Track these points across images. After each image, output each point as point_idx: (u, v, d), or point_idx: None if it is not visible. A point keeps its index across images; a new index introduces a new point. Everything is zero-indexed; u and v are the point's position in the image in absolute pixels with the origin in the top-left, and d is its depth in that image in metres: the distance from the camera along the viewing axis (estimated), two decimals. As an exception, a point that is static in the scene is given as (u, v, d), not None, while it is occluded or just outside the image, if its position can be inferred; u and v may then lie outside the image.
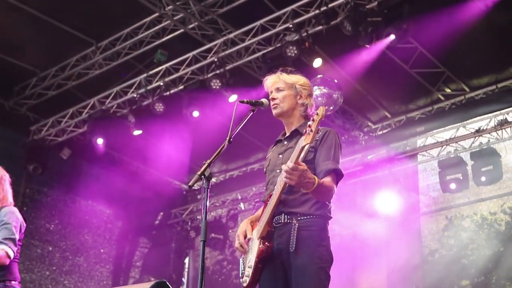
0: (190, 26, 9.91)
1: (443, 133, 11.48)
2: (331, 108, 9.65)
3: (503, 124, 10.67)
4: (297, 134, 4.25)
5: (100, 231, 13.73)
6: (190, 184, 3.68)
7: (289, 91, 4.33)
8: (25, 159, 11.56)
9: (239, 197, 13.89)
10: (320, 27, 9.00)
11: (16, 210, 5.28)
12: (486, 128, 10.86)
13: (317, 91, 9.41)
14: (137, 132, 11.25)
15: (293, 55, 9.08)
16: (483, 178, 10.57)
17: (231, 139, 3.92)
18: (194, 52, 10.32)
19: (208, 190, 3.74)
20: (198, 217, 14.54)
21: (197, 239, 14.26)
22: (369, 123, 12.15)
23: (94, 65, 11.02)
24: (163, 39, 10.31)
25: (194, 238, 14.32)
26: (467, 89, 10.93)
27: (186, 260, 14.12)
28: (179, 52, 10.47)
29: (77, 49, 11.04)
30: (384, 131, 12.02)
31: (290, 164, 3.63)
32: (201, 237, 3.59)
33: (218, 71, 9.95)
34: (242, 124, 4.04)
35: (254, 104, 4.24)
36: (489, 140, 10.90)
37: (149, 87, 10.66)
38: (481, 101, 10.82)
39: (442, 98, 11.19)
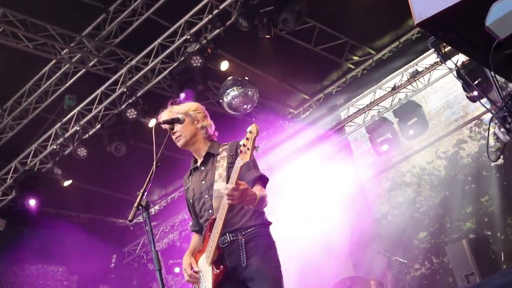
0: (91, 64, 9.78)
1: (362, 100, 11.71)
2: (249, 106, 9.69)
3: (415, 75, 10.97)
4: (210, 156, 4.44)
5: (62, 288, 13.42)
6: (129, 218, 3.62)
7: (186, 120, 4.37)
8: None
9: (187, 217, 13.78)
10: (217, 30, 9.02)
11: None
12: (401, 84, 11.15)
13: (231, 92, 9.44)
14: (67, 183, 11.02)
15: (199, 64, 9.06)
16: (411, 132, 10.82)
17: (158, 163, 3.87)
18: (102, 88, 10.17)
19: (149, 219, 3.68)
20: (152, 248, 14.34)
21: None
22: (291, 110, 12.25)
23: (5, 129, 10.73)
24: (67, 84, 10.13)
25: (154, 270, 14.11)
26: (373, 52, 11.14)
27: (152, 293, 13.95)
28: (87, 92, 10.31)
29: (-16, 117, 10.73)
30: (307, 113, 12.14)
31: (230, 185, 3.78)
32: (156, 266, 3.55)
33: (130, 101, 9.84)
34: (164, 145, 4.00)
35: (171, 122, 4.24)
36: (406, 94, 11.20)
37: (66, 135, 10.46)
38: (389, 60, 11.03)
39: (352, 67, 11.38)
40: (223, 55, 9.77)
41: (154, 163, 3.83)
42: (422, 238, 11.26)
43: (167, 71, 9.72)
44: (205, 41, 9.12)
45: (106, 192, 12.93)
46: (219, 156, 4.33)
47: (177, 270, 13.17)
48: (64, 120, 10.51)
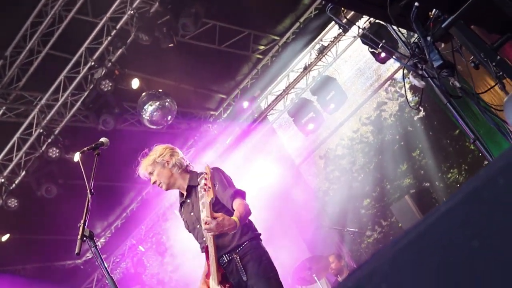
0: (0, 112, 9.51)
1: (278, 86, 11.81)
2: (170, 117, 9.64)
3: (322, 50, 11.12)
4: (192, 188, 4.81)
5: None
6: (76, 251, 3.58)
7: (157, 168, 4.80)
8: None
9: (134, 242, 13.61)
10: (120, 50, 8.92)
11: None
12: (311, 62, 11.27)
13: (149, 108, 9.36)
14: (4, 238, 10.68)
15: (110, 88, 8.95)
16: (332, 106, 10.99)
17: (92, 191, 3.84)
18: (18, 135, 9.89)
19: (96, 247, 3.62)
20: (106, 281, 14.09)
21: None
22: (211, 112, 12.26)
23: None
24: (-19, 139, 9.82)
25: (114, 302, 13.90)
26: (277, 38, 11.26)
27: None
28: (3, 142, 10.01)
29: None
30: (228, 111, 12.17)
31: (206, 219, 4.18)
32: (114, 293, 3.50)
33: (49, 140, 9.62)
34: (94, 171, 3.96)
35: (95, 147, 4.24)
36: (319, 71, 11.34)
37: (-8, 191, 10.13)
38: (294, 42, 11.17)
39: (260, 57, 11.46)
40: (132, 74, 9.67)
41: (88, 191, 3.77)
42: (367, 205, 11.47)
43: (79, 103, 9.55)
44: (110, 63, 9.02)
45: (47, 237, 12.57)
46: (199, 187, 4.54)
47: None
48: (-14, 178, 10.17)
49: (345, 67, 11.78)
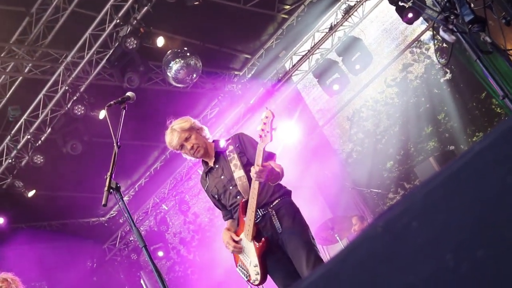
0: (26, 70, 9.57)
1: (303, 46, 11.74)
2: (194, 75, 9.63)
3: (348, 11, 11.01)
4: (220, 154, 4.99)
5: (46, 304, 13.28)
6: (103, 202, 3.61)
7: (194, 133, 4.94)
8: None
9: (158, 200, 13.76)
10: (145, 8, 8.87)
11: None
12: (337, 22, 11.17)
13: (174, 66, 9.35)
14: (31, 193, 10.83)
15: (135, 46, 8.92)
16: (357, 66, 10.91)
17: (119, 144, 3.87)
18: (43, 92, 9.95)
19: (123, 199, 3.66)
20: (130, 239, 14.31)
21: (141, 259, 14.10)
22: (236, 72, 12.22)
23: (-45, 154, 10.46)
24: (7, 95, 9.87)
25: (138, 259, 14.13)
26: (302, -3, 11.14)
27: (142, 283, 13.91)
28: (29, 99, 10.08)
29: None
30: (252, 72, 12.12)
31: (256, 167, 4.29)
32: (140, 244, 3.55)
33: (75, 98, 9.67)
34: (121, 124, 3.98)
35: (122, 101, 4.25)
36: (344, 32, 11.23)
37: (19, 147, 10.24)
38: (320, 1, 11.05)
39: (286, 16, 11.35)
40: (157, 32, 9.64)
41: (115, 144, 3.80)
42: (390, 167, 11.45)
43: (104, 60, 9.56)
44: (135, 21, 8.97)
45: (71, 194, 12.77)
46: (227, 151, 4.89)
47: (160, 254, 13.20)
48: (12, 132, 10.27)
49: (371, 28, 11.65)
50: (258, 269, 4.68)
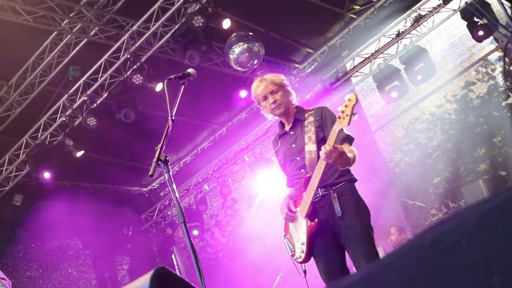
0: (92, 33, 9.70)
1: (367, 49, 11.63)
2: (256, 61, 9.64)
3: (418, 20, 10.87)
4: (298, 122, 4.86)
5: (80, 261, 13.54)
6: (150, 173, 3.67)
7: (282, 90, 4.86)
8: (-21, 220, 11.27)
9: (200, 180, 13.86)
10: (217, -12, 8.92)
11: None
12: (405, 29, 11.04)
13: (237, 49, 9.38)
14: (79, 154, 11.02)
15: (201, 24, 8.96)
16: (419, 77, 10.77)
17: (173, 118, 3.91)
18: (105, 57, 10.10)
19: (170, 173, 3.70)
20: (168, 213, 14.48)
21: (175, 234, 14.25)
22: (296, 65, 12.18)
23: (13, 105, 10.68)
24: (71, 55, 10.04)
25: (172, 234, 14.29)
26: (374, 0, 11.01)
27: (173, 257, 14.08)
28: (91, 62, 10.24)
29: (-10, 95, 10.70)
30: (312, 67, 12.07)
31: (328, 147, 4.15)
32: (180, 219, 3.58)
33: (135, 67, 9.79)
34: (179, 99, 4.01)
35: (182, 77, 4.29)
36: (411, 40, 11.09)
37: (74, 106, 10.42)
38: (391, 6, 10.92)
39: (354, 16, 11.25)
40: (224, 14, 9.67)
41: (169, 118, 3.84)
42: (437, 183, 11.29)
43: (169, 34, 9.63)
44: (204, 0, 9.02)
45: (117, 160, 12.98)
46: (306, 121, 4.75)
47: (195, 232, 13.31)
48: (70, 91, 10.45)
49: (439, 40, 11.49)
50: (304, 247, 4.62)
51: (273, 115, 4.92)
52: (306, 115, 4.82)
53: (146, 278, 2.21)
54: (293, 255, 4.80)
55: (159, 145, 3.74)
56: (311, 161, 4.58)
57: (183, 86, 4.23)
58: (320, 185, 4.51)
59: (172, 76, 4.25)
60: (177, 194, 3.62)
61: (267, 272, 10.85)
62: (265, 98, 4.86)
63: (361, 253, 4.41)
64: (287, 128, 4.92)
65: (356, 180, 4.72)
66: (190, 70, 4.33)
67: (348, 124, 4.05)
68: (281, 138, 4.98)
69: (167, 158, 3.69)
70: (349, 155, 4.38)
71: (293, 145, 4.81)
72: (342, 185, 4.60)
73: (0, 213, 11.47)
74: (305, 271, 4.82)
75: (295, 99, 4.95)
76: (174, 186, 3.69)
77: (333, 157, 4.18)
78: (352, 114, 4.04)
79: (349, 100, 4.03)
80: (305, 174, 4.63)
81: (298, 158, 4.75)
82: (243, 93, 10.43)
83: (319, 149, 4.43)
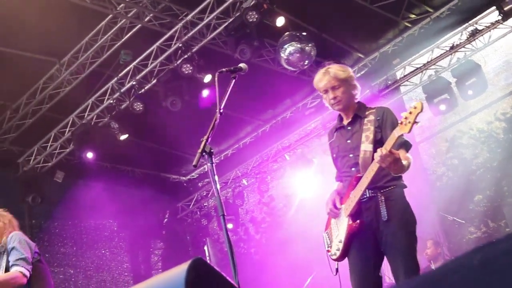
0: (146, 19, 9.80)
1: (419, 59, 11.48)
2: (307, 62, 9.61)
3: (474, 34, 10.68)
4: (357, 118, 4.78)
5: (114, 243, 13.71)
6: (194, 163, 3.70)
7: (344, 86, 4.78)
8: (21, 192, 11.45)
9: (240, 174, 13.89)
10: (274, -15, 8.92)
11: (16, 233, 5.42)
12: (460, 43, 10.87)
13: (289, 48, 9.36)
14: (123, 137, 11.14)
15: (255, 20, 8.96)
16: (469, 92, 10.59)
17: (221, 110, 3.93)
18: (157, 44, 10.19)
19: (213, 165, 3.72)
20: (205, 204, 14.54)
21: (210, 226, 14.31)
22: (346, 69, 12.08)
23: (63, 83, 10.85)
24: (123, 39, 10.15)
25: (207, 225, 14.35)
26: (431, 10, 10.85)
27: (205, 249, 14.13)
28: (143, 48, 10.34)
29: (42, 72, 10.87)
30: (362, 72, 11.96)
31: (384, 150, 4.15)
32: (219, 212, 3.61)
33: (185, 56, 9.84)
34: (228, 93, 4.03)
35: (234, 71, 4.30)
36: (465, 54, 10.91)
37: (122, 90, 10.55)
38: (447, 18, 10.75)
39: (409, 25, 11.11)
40: (279, 12, 9.66)
41: (217, 110, 3.86)
42: (478, 201, 11.12)
43: (222, 27, 9.66)
44: (260, -4, 9.03)
45: (160, 147, 13.10)
46: (366, 119, 4.68)
47: (230, 226, 13.35)
48: (120, 75, 10.58)
49: (494, 56, 11.29)
50: (341, 245, 4.59)
51: (332, 109, 4.90)
52: (367, 112, 4.75)
53: (183, 267, 2.22)
54: (328, 251, 4.79)
55: (205, 137, 3.76)
56: (364, 160, 4.52)
57: (233, 80, 4.24)
58: (369, 186, 4.46)
59: (224, 69, 4.26)
60: (218, 186, 3.62)
61: (298, 272, 10.83)
62: (326, 92, 4.84)
63: (401, 265, 4.35)
64: (345, 122, 4.86)
65: (405, 187, 4.62)
66: (242, 65, 4.33)
67: (409, 132, 4.05)
68: (337, 131, 4.95)
69: (212, 150, 3.71)
70: (404, 162, 4.33)
71: (348, 141, 4.77)
72: (391, 189, 4.52)
73: (41, 188, 11.66)
74: (337, 269, 4.78)
75: (358, 94, 4.89)
76: (216, 178, 3.70)
77: (387, 162, 4.17)
78: (415, 122, 4.02)
79: (415, 107, 4.03)
80: (356, 173, 4.60)
81: (351, 155, 4.71)
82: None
83: (375, 149, 4.40)
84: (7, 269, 5.14)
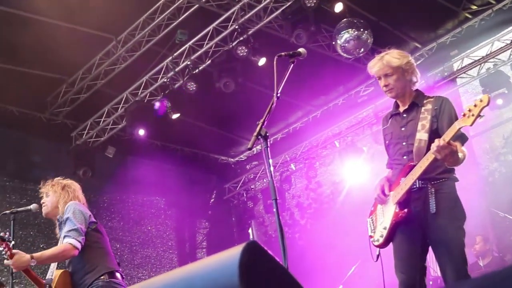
0: (204, -1, 9.83)
1: (478, 51, 11.25)
2: (362, 50, 9.51)
3: (538, 28, 10.41)
4: (414, 106, 4.70)
5: (160, 220, 13.87)
6: (249, 146, 3.71)
7: (397, 74, 4.67)
8: (73, 165, 11.64)
9: (288, 159, 13.87)
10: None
11: (72, 203, 5.39)
12: (522, 36, 10.61)
13: (345, 35, 9.27)
14: (175, 116, 11.23)
15: (313, 5, 8.91)
16: (528, 87, 10.35)
17: (279, 95, 3.91)
18: (214, 25, 10.20)
19: (268, 148, 3.71)
20: (251, 187, 14.58)
21: (255, 208, 14.34)
22: (401, 58, 11.89)
23: (119, 60, 10.97)
24: (180, 19, 10.17)
25: (253, 207, 14.39)
26: (493, 1, 10.60)
27: (250, 231, 14.20)
28: (199, 28, 10.36)
29: (99, 48, 11.00)
30: (418, 62, 11.74)
31: (442, 141, 4.09)
32: (272, 196, 3.60)
33: (241, 38, 9.84)
34: (286, 77, 4.01)
35: (292, 55, 4.27)
36: (527, 48, 10.65)
37: (177, 69, 10.61)
38: (509, 11, 10.50)
39: (469, 16, 10.88)
40: (337, -3, 9.56)
41: (275, 94, 3.85)
42: (531, 200, 10.86)
43: (279, 11, 9.61)
44: (320, -19, 8.96)
45: (210, 128, 13.17)
46: (423, 108, 4.60)
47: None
48: (175, 54, 10.64)
49: (555, 52, 10.96)
50: (385, 232, 4.56)
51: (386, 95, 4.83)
52: (425, 101, 4.66)
53: (237, 250, 2.21)
54: (371, 237, 4.76)
55: (261, 120, 3.76)
56: (419, 149, 4.46)
57: (292, 65, 4.21)
58: (420, 176, 4.38)
59: (282, 53, 4.23)
60: (272, 169, 3.61)
61: (342, 261, 10.79)
62: (380, 78, 4.78)
63: (449, 259, 4.30)
64: (401, 109, 4.80)
65: (457, 180, 4.55)
66: (301, 50, 4.29)
67: (471, 125, 3.98)
68: (392, 118, 4.88)
69: (267, 134, 3.71)
70: (460, 155, 4.25)
71: (402, 128, 4.70)
72: (442, 181, 4.45)
73: (92, 162, 11.82)
74: (378, 256, 4.75)
75: (417, 80, 4.79)
76: (271, 161, 3.68)
77: (444, 153, 4.10)
78: (479, 115, 3.94)
79: (481, 101, 3.94)
80: (407, 161, 4.54)
81: (404, 143, 4.64)
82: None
83: (430, 139, 4.36)
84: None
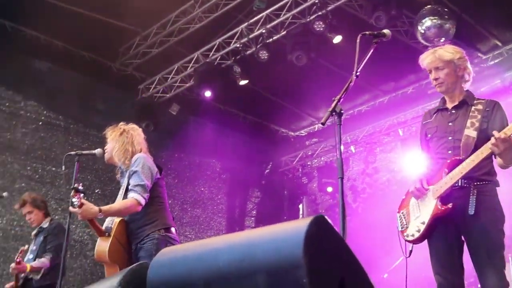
0: (289, -31, 9.73)
1: None
2: (443, 40, 9.27)
3: None
4: (464, 104, 4.61)
5: (214, 183, 13.98)
6: (322, 121, 3.68)
7: (448, 68, 4.60)
8: (136, 117, 11.74)
9: (349, 140, 13.74)
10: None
11: (142, 156, 5.43)
12: None
13: (427, 22, 9.07)
14: (243, 82, 11.22)
15: (399, -12, 8.73)
16: None
17: (358, 73, 3.85)
18: (293, -4, 10.13)
19: (340, 126, 3.67)
20: (308, 163, 14.54)
21: (309, 185, 14.32)
22: (479, 54, 11.59)
23: (194, 19, 11.00)
24: (262, -15, 10.13)
25: (307, 184, 14.37)
26: None
27: (300, 206, 14.20)
28: (278, -2, 10.30)
29: (176, 5, 11.04)
30: (496, 60, 11.44)
31: (503, 135, 4.04)
32: (339, 174, 3.57)
33: (320, 13, 9.71)
34: (367, 57, 3.93)
35: (377, 36, 4.20)
36: None
37: (251, 36, 10.59)
38: None
39: (555, 18, 10.51)
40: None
41: (354, 72, 3.79)
42: None
43: (362, -11, 9.47)
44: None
45: (275, 99, 13.13)
46: (474, 107, 4.52)
47: (329, 189, 13.30)
48: (251, 21, 10.60)
49: None
50: (422, 227, 4.48)
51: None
52: (476, 101, 4.57)
53: (304, 221, 2.20)
54: (402, 232, 4.69)
55: (338, 97, 3.72)
56: (466, 145, 4.39)
57: (375, 45, 4.13)
58: (464, 175, 4.31)
59: (367, 32, 4.14)
60: (342, 148, 3.57)
61: (390, 250, 10.67)
62: (430, 71, 4.71)
63: (487, 262, 4.22)
64: (449, 105, 4.71)
65: (499, 185, 4.45)
66: (386, 31, 4.22)
67: None
68: (437, 113, 4.79)
69: (342, 111, 3.66)
70: None
71: (450, 124, 4.61)
72: (484, 184, 4.37)
73: (155, 117, 11.93)
74: (410, 251, 4.67)
75: (469, 81, 4.70)
76: (340, 141, 3.64)
77: (502, 147, 4.04)
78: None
79: None
80: (452, 156, 4.44)
81: (450, 138, 4.55)
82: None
83: (478, 138, 4.32)
84: (127, 190, 5.24)
